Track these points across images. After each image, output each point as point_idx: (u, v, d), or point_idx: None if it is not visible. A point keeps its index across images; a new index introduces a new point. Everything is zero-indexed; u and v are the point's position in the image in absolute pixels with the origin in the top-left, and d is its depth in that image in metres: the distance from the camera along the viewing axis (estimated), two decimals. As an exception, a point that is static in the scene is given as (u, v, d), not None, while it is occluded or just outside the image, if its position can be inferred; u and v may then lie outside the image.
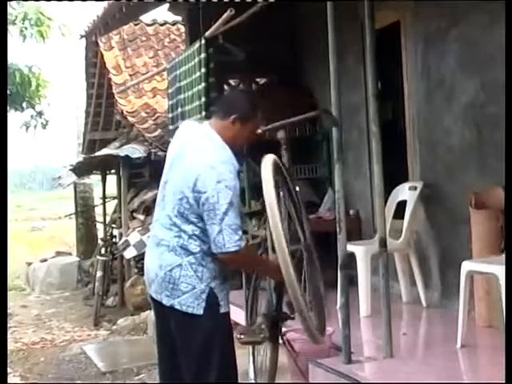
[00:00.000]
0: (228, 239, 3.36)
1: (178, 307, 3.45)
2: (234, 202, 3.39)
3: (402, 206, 6.09)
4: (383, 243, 4.51)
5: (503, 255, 4.74)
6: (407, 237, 5.95)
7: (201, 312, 3.43)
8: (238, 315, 6.36)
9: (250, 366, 4.87)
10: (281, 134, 4.42)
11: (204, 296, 3.44)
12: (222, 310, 3.50)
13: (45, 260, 14.36)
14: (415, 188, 6.03)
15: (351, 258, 5.57)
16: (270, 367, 4.19)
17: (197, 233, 3.45)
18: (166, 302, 3.49)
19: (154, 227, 3.66)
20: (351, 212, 7.10)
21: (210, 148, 3.52)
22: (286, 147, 4.45)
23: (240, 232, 3.41)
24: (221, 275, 3.50)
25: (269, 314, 4.06)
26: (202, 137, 3.60)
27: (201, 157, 3.47)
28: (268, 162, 3.73)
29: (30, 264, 14.54)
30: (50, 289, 13.31)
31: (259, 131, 3.83)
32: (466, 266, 4.64)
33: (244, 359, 4.99)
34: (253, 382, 4.78)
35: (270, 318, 3.99)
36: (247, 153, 4.27)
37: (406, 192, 6.11)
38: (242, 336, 4.00)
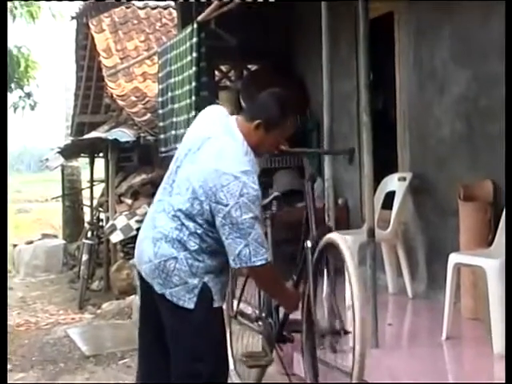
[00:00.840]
0: (254, 253, 3.26)
1: (169, 297, 3.39)
2: (259, 215, 3.29)
3: (390, 196, 6.08)
4: (371, 233, 4.51)
5: (491, 248, 4.76)
6: (395, 227, 5.94)
7: (192, 306, 3.36)
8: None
9: (229, 356, 4.90)
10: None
11: (196, 291, 3.36)
12: (216, 305, 3.42)
13: (31, 242, 14.31)
14: (404, 179, 6.03)
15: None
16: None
17: (199, 232, 3.34)
18: (157, 289, 3.42)
19: (155, 205, 3.52)
20: (340, 201, 7.09)
21: (234, 153, 3.34)
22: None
23: (266, 245, 3.34)
24: (216, 269, 3.42)
25: (271, 337, 4.17)
26: (226, 134, 3.42)
27: (224, 163, 3.27)
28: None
29: (15, 246, 14.48)
30: (35, 271, 13.28)
31: (283, 145, 3.68)
32: (454, 258, 4.64)
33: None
34: (232, 369, 4.80)
35: (272, 341, 4.15)
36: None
37: (395, 182, 6.11)
38: (248, 359, 4.16)
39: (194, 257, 3.35)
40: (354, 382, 3.36)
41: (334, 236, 3.69)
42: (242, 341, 4.84)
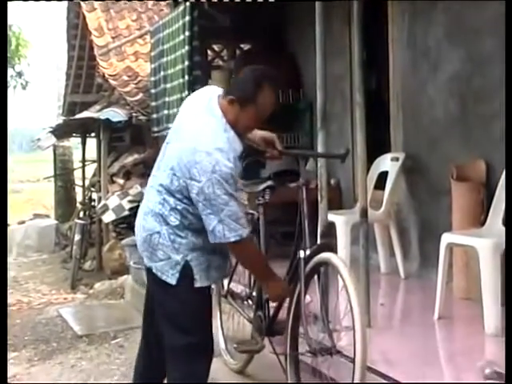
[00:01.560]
0: (228, 229, 3.28)
1: (154, 271, 3.46)
2: (233, 192, 3.29)
3: (383, 176, 6.08)
4: (364, 213, 4.50)
5: (483, 228, 4.76)
6: (388, 207, 5.94)
7: (174, 282, 3.40)
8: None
9: (219, 335, 4.97)
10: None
11: (179, 267, 3.40)
12: (197, 284, 3.43)
13: (23, 222, 14.29)
14: (397, 159, 6.02)
15: (331, 227, 5.56)
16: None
17: (179, 207, 3.38)
18: (146, 262, 3.51)
19: (150, 180, 3.58)
20: (332, 181, 7.09)
21: (212, 130, 3.34)
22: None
23: (242, 221, 3.33)
24: (201, 248, 3.44)
25: (261, 329, 4.18)
26: (207, 112, 3.42)
27: (200, 141, 3.29)
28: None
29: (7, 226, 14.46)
30: (27, 251, 13.27)
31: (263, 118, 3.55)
32: (446, 238, 4.65)
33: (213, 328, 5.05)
34: (223, 348, 4.88)
35: (262, 333, 4.16)
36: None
37: (387, 163, 6.10)
38: (239, 345, 4.19)
39: (176, 232, 3.40)
40: None
41: (332, 257, 3.61)
42: (233, 320, 4.86)
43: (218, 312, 5.02)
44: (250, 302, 4.50)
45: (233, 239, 3.30)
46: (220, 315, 5.03)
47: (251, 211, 4.51)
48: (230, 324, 4.91)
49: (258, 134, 3.88)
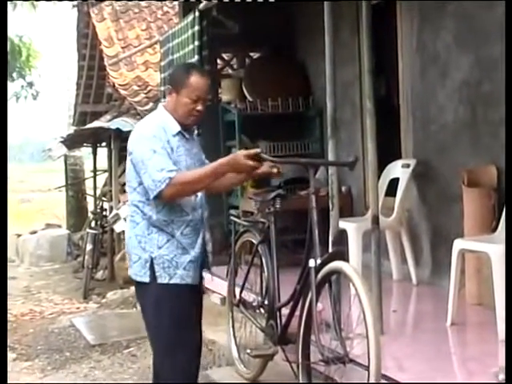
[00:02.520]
0: (158, 179, 3.45)
1: (133, 277, 3.68)
2: (158, 149, 3.50)
3: (394, 183, 6.07)
4: (376, 220, 4.50)
5: (495, 234, 4.75)
6: (399, 214, 5.94)
7: (147, 280, 3.60)
8: (225, 289, 6.39)
9: (232, 343, 4.97)
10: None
11: (148, 265, 3.59)
12: (159, 281, 3.59)
13: (34, 232, 14.33)
14: (408, 165, 6.01)
15: (343, 234, 5.56)
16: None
17: (139, 205, 3.60)
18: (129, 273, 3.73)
19: None
20: (343, 189, 7.08)
21: (145, 118, 3.77)
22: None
23: (169, 168, 3.48)
24: (168, 246, 3.60)
25: (273, 339, 4.18)
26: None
27: (137, 128, 3.71)
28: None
29: (19, 236, 14.50)
30: (39, 261, 13.31)
31: (199, 110, 3.65)
32: (458, 245, 4.64)
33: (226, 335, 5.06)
34: (236, 357, 4.86)
35: (274, 342, 4.17)
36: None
37: (398, 169, 6.10)
38: (253, 351, 4.22)
39: (143, 232, 3.61)
40: None
41: (344, 266, 3.58)
42: (245, 329, 4.84)
43: (230, 321, 5.01)
44: (262, 310, 4.48)
45: (163, 186, 3.44)
46: (232, 324, 5.01)
47: (262, 220, 4.52)
48: (242, 333, 4.90)
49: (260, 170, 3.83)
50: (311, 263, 3.67)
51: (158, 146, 3.52)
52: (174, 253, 3.61)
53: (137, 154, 3.56)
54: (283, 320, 4.17)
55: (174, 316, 3.63)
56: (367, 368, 3.30)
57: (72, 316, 8.26)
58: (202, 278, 3.80)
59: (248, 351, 4.22)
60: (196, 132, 6.90)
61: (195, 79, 3.65)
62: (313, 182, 3.91)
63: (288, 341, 4.09)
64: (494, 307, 4.34)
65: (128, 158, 3.64)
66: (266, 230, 4.41)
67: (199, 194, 3.72)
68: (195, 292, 3.75)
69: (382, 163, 5.55)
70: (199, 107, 3.66)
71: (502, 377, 3.58)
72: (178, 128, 3.66)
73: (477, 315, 5.02)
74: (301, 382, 3.82)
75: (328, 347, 3.58)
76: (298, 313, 3.91)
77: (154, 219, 3.59)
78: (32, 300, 9.67)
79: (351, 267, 3.58)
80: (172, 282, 3.61)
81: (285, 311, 4.18)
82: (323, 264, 3.64)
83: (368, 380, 3.27)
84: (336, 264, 3.62)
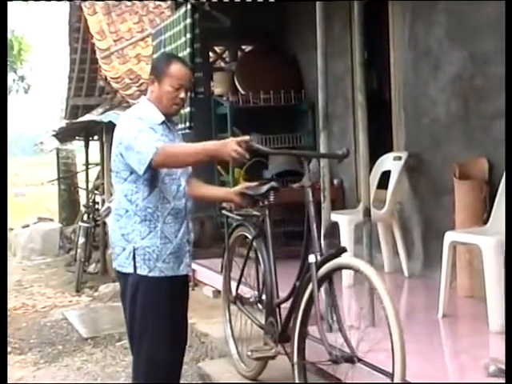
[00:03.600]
0: (146, 150, 3.48)
1: (118, 269, 3.76)
2: (144, 128, 3.56)
3: (386, 176, 6.09)
4: (367, 212, 4.51)
5: (486, 226, 4.78)
6: (391, 207, 5.96)
7: (131, 270, 3.66)
8: (219, 282, 6.40)
9: (229, 337, 4.92)
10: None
11: (131, 256, 3.66)
12: (139, 272, 3.64)
13: (27, 226, 14.31)
14: (400, 158, 6.03)
15: (334, 227, 5.58)
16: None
17: (128, 193, 3.65)
18: (114, 266, 3.80)
19: None
20: (335, 181, 7.10)
21: (129, 109, 3.84)
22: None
23: (155, 141, 3.52)
24: (151, 238, 3.65)
25: (274, 336, 4.12)
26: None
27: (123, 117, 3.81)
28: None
29: (11, 229, 14.47)
30: (31, 255, 13.30)
31: (181, 98, 3.71)
32: (449, 237, 4.66)
33: (222, 328, 5.05)
34: (235, 356, 4.79)
35: (275, 340, 4.10)
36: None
37: (390, 162, 6.11)
38: (254, 353, 4.13)
39: (126, 224, 3.66)
40: None
41: (354, 261, 3.52)
42: (245, 324, 4.73)
43: (228, 318, 4.95)
44: (259, 306, 4.43)
45: (151, 155, 3.47)
46: (229, 321, 4.93)
47: (255, 213, 4.46)
48: (243, 331, 4.78)
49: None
50: (311, 259, 3.60)
51: (145, 127, 3.59)
52: (156, 244, 3.67)
53: (125, 139, 3.61)
54: (283, 317, 4.09)
55: (151, 308, 3.68)
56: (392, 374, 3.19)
57: (64, 309, 8.26)
58: (190, 267, 3.85)
59: (249, 353, 4.14)
60: (188, 125, 6.95)
61: (176, 67, 3.72)
62: (309, 175, 3.86)
63: (289, 338, 3.95)
64: (485, 299, 4.37)
65: (116, 150, 3.69)
66: (261, 224, 4.36)
67: (182, 184, 3.76)
68: (178, 283, 3.78)
69: (374, 156, 5.56)
70: (182, 95, 3.72)
71: (492, 368, 3.60)
72: (161, 118, 3.71)
73: (468, 307, 5.05)
74: (297, 381, 3.75)
75: (334, 346, 3.44)
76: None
77: (141, 206, 3.64)
78: (24, 294, 9.67)
79: (364, 263, 3.49)
80: (151, 274, 3.67)
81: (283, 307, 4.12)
82: (327, 260, 3.56)
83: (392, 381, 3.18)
84: (345, 260, 3.54)
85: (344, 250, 3.60)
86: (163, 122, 3.72)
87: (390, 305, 3.22)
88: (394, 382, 3.14)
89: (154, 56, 8.20)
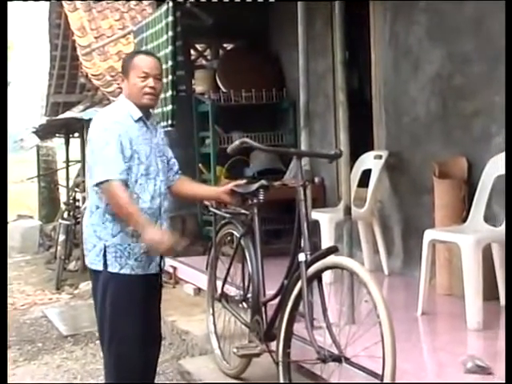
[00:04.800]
0: (102, 171, 3.57)
1: (89, 266, 3.78)
2: (111, 142, 3.58)
3: (366, 174, 6.12)
4: (348, 211, 4.53)
5: (465, 224, 4.82)
6: (371, 205, 5.99)
7: (101, 268, 3.68)
8: (201, 280, 6.41)
9: (212, 334, 4.91)
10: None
11: (102, 253, 3.67)
12: (110, 269, 3.66)
13: (6, 223, 14.21)
14: (380, 157, 6.07)
15: (315, 225, 5.60)
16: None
17: (99, 190, 3.66)
18: (86, 262, 3.82)
19: None
20: (316, 180, 7.11)
21: (107, 107, 3.95)
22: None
23: (115, 166, 3.57)
24: (122, 236, 3.66)
25: (259, 334, 4.10)
26: None
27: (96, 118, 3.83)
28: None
29: (-10, 227, 14.38)
30: (11, 252, 13.17)
31: (151, 86, 3.73)
32: (429, 235, 4.69)
33: (205, 325, 5.05)
34: (218, 353, 4.77)
35: (260, 338, 4.08)
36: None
37: (371, 161, 6.14)
38: (240, 350, 4.11)
39: (97, 221, 3.68)
40: None
41: (346, 261, 3.50)
42: (228, 322, 4.73)
43: (211, 316, 4.92)
44: (244, 304, 4.41)
45: (101, 179, 3.56)
46: (213, 319, 4.91)
47: (244, 211, 4.43)
48: (225, 328, 4.78)
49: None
50: (301, 257, 3.57)
51: (113, 139, 3.59)
52: (128, 242, 3.68)
53: (93, 143, 3.67)
54: (269, 315, 4.07)
55: (121, 305, 3.69)
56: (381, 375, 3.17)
57: (44, 307, 8.23)
58: (161, 267, 3.85)
59: (234, 350, 4.13)
60: (169, 123, 6.94)
61: (139, 58, 3.79)
62: (301, 173, 3.79)
63: (274, 337, 3.93)
64: (463, 297, 4.41)
65: (88, 146, 3.77)
66: (249, 222, 4.33)
67: (158, 183, 3.77)
68: (150, 282, 3.77)
69: (355, 154, 5.59)
70: (150, 84, 3.73)
71: (470, 365, 3.63)
72: (139, 114, 3.73)
73: (447, 305, 5.08)
74: (281, 380, 3.72)
75: (320, 345, 3.43)
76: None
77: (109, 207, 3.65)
78: (4, 291, 9.61)
79: (357, 263, 3.47)
80: (122, 271, 3.67)
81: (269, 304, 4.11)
82: (317, 259, 3.53)
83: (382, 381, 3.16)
84: (337, 259, 3.52)
85: (335, 249, 3.58)
86: (140, 119, 3.74)
87: (383, 308, 3.22)
88: (384, 381, 3.13)
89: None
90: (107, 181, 3.56)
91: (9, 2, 12.70)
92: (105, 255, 3.67)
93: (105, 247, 3.67)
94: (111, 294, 3.70)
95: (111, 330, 3.73)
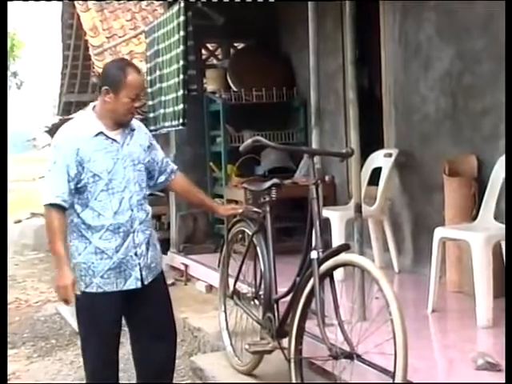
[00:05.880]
0: (44, 193, 3.57)
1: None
2: (58, 162, 3.56)
3: (376, 172, 6.15)
4: (358, 209, 4.57)
5: (475, 222, 4.84)
6: (381, 203, 6.02)
7: (82, 289, 3.64)
8: (212, 278, 6.45)
9: (224, 330, 4.93)
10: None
11: (73, 270, 3.62)
12: (78, 287, 3.60)
13: (19, 221, 14.30)
14: (390, 155, 6.09)
15: (326, 223, 5.63)
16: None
17: (74, 203, 3.63)
18: None
19: None
20: (326, 178, 7.15)
21: (71, 121, 3.84)
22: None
23: (55, 189, 3.55)
24: (87, 253, 3.63)
25: (271, 330, 4.11)
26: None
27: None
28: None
29: (3, 225, 14.47)
30: (24, 250, 13.28)
31: (136, 106, 3.74)
32: (439, 233, 4.72)
33: (217, 322, 5.08)
34: (229, 350, 4.78)
35: (272, 335, 4.09)
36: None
37: (381, 159, 6.17)
38: (252, 346, 4.12)
39: (70, 238, 3.64)
40: None
41: (358, 259, 3.52)
42: (240, 319, 4.76)
43: (223, 313, 4.93)
44: (256, 302, 4.43)
45: (44, 202, 3.55)
46: (225, 316, 4.92)
47: (256, 209, 4.45)
48: (237, 325, 4.81)
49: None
50: (314, 255, 3.58)
51: (60, 158, 3.57)
52: (92, 260, 3.62)
53: (48, 159, 3.68)
54: (281, 312, 4.10)
55: (86, 323, 3.72)
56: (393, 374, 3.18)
57: (57, 304, 8.28)
58: (143, 282, 3.72)
59: (246, 347, 4.15)
60: (181, 122, 6.97)
61: (133, 78, 3.61)
62: (313, 171, 3.80)
63: (286, 334, 3.95)
64: (473, 294, 4.43)
65: None
66: (261, 220, 4.34)
67: (126, 196, 3.65)
68: (125, 298, 3.70)
69: (365, 153, 5.62)
70: (136, 104, 3.71)
71: (480, 362, 3.66)
72: (98, 129, 3.62)
73: (457, 302, 5.11)
74: (293, 377, 3.74)
75: (332, 342, 3.46)
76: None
77: (75, 222, 3.64)
78: (17, 288, 9.66)
79: (369, 261, 3.48)
80: (87, 290, 3.63)
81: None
82: (329, 256, 3.54)
83: (393, 380, 3.16)
84: (349, 257, 3.53)
85: (347, 247, 3.59)
86: (100, 134, 3.62)
87: (395, 305, 3.22)
88: (396, 382, 3.13)
89: (148, 53, 8.24)
90: (46, 205, 3.55)
91: (22, 3, 12.82)
92: (74, 273, 3.61)
93: (74, 265, 3.62)
94: (79, 311, 3.72)
95: (82, 348, 3.82)
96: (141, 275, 3.71)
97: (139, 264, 3.69)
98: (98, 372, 3.75)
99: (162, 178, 3.95)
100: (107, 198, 3.61)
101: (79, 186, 3.59)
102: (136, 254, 3.68)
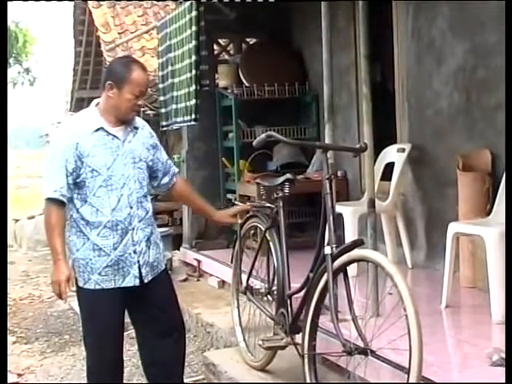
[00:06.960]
0: (44, 187, 3.60)
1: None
2: (57, 156, 3.58)
3: (389, 167, 6.13)
4: (372, 204, 4.55)
5: (489, 217, 4.82)
6: (394, 198, 6.00)
7: (80, 284, 3.69)
8: (225, 273, 6.45)
9: (237, 326, 4.92)
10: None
11: (72, 266, 3.66)
12: (78, 283, 3.67)
13: (32, 217, 14.34)
14: (403, 150, 6.07)
15: (339, 218, 5.61)
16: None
17: (75, 196, 3.64)
18: None
19: None
20: (339, 173, 7.13)
21: (72, 116, 3.92)
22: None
23: (53, 183, 3.58)
24: (85, 249, 3.63)
25: (284, 326, 4.10)
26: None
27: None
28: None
29: (17, 221, 14.52)
30: (37, 245, 13.32)
31: (139, 104, 3.72)
32: (453, 228, 4.70)
33: (230, 317, 5.08)
34: (242, 346, 4.78)
35: (285, 331, 4.07)
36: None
37: (394, 154, 6.15)
38: (265, 342, 4.11)
39: (69, 234, 3.66)
40: None
41: (372, 254, 3.51)
42: (253, 315, 4.74)
43: (236, 309, 4.93)
44: (269, 297, 4.43)
45: (45, 196, 3.59)
46: (238, 312, 4.91)
47: (268, 205, 4.44)
48: (250, 321, 4.79)
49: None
50: (327, 250, 3.57)
51: (59, 153, 3.59)
52: (90, 256, 3.63)
53: (47, 154, 3.71)
54: (294, 308, 4.09)
55: (86, 319, 3.77)
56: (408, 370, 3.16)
57: (71, 299, 8.29)
58: (142, 280, 3.71)
59: (259, 343, 4.14)
60: (193, 117, 6.98)
61: (137, 74, 3.62)
62: (326, 166, 3.78)
63: (299, 329, 3.93)
64: (487, 290, 4.42)
65: None
66: (274, 216, 4.33)
67: (125, 193, 3.64)
68: (123, 295, 3.70)
69: (378, 148, 5.60)
70: (140, 101, 3.70)
71: (495, 358, 3.65)
72: (98, 124, 3.63)
73: (471, 298, 5.09)
74: (307, 372, 3.73)
75: (346, 338, 3.45)
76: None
77: (75, 218, 3.65)
78: (31, 284, 9.71)
79: (383, 256, 3.48)
80: (86, 286, 3.66)
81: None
82: (343, 252, 3.53)
83: (408, 380, 3.14)
84: (363, 252, 3.52)
85: (361, 242, 3.57)
86: (100, 129, 3.62)
87: (410, 301, 3.21)
88: (410, 381, 3.11)
89: (160, 48, 8.24)
90: (45, 199, 3.59)
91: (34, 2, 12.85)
92: (74, 268, 3.65)
93: (72, 261, 3.65)
94: (80, 306, 3.77)
95: (84, 344, 3.86)
96: (140, 273, 3.70)
97: (138, 262, 3.69)
98: (97, 369, 3.77)
99: (165, 179, 3.95)
100: (105, 194, 3.61)
101: (78, 180, 3.60)
102: (135, 252, 3.68)
